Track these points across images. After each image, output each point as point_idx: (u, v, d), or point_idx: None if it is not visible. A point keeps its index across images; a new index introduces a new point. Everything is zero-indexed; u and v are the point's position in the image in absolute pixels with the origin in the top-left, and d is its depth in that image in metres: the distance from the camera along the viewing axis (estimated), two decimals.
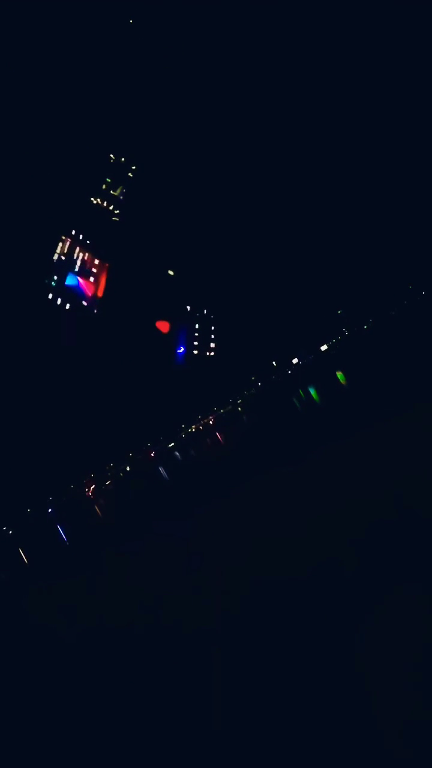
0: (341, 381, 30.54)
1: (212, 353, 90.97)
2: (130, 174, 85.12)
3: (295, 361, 71.63)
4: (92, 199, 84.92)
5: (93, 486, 69.19)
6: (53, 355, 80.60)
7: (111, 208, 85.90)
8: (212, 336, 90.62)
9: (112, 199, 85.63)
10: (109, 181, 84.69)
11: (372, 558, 5.65)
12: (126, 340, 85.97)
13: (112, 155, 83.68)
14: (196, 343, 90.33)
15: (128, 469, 67.89)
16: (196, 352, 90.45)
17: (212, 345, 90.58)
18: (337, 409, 19.20)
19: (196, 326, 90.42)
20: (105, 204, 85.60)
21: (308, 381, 42.02)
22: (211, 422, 70.25)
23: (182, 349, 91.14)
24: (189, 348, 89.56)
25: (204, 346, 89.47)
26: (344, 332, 68.16)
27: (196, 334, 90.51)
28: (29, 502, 68.03)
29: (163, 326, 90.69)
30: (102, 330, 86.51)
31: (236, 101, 77.12)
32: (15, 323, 79.56)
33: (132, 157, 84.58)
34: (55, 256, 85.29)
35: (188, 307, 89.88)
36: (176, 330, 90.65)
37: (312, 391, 33.15)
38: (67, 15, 74.93)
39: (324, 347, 69.04)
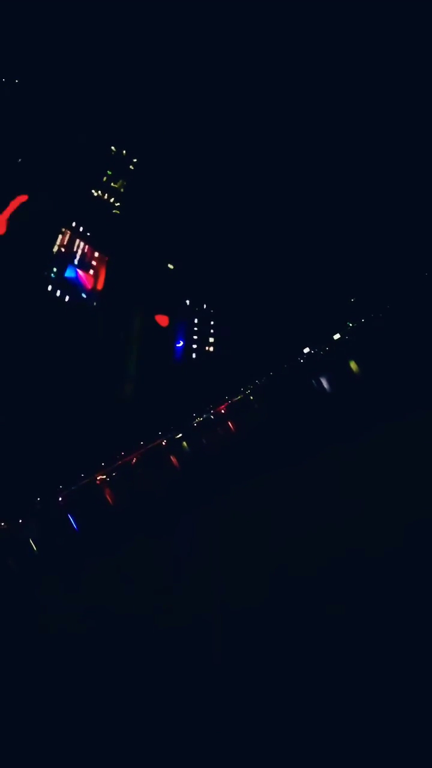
0: (354, 370, 30.51)
1: (210, 348, 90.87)
2: (131, 167, 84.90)
3: (306, 350, 71.22)
4: (93, 191, 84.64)
5: (103, 475, 69.04)
6: (52, 347, 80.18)
7: (111, 200, 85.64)
8: (211, 330, 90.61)
9: (112, 192, 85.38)
10: (110, 173, 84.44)
11: (393, 552, 5.44)
12: (125, 333, 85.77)
13: (113, 148, 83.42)
14: (195, 337, 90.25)
15: (136, 459, 67.81)
16: (195, 345, 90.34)
17: (211, 339, 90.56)
18: (350, 398, 18.89)
19: (196, 320, 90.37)
20: (105, 196, 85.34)
21: (320, 370, 42.15)
22: (222, 411, 70.07)
23: (181, 343, 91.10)
24: (189, 342, 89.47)
25: (203, 340, 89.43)
26: (357, 321, 67.56)
27: (196, 328, 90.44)
28: (38, 491, 67.81)
29: (163, 320, 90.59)
30: (101, 322, 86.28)
31: (237, 94, 77.04)
32: (15, 315, 79.16)
33: (133, 150, 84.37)
34: (55, 248, 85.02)
35: (188, 301, 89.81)
36: (176, 324, 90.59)
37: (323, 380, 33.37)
38: (69, 8, 74.61)
39: (336, 336, 68.60)
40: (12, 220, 79.99)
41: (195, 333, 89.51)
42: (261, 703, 4.25)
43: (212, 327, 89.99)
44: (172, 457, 37.37)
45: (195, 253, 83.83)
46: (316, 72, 71.44)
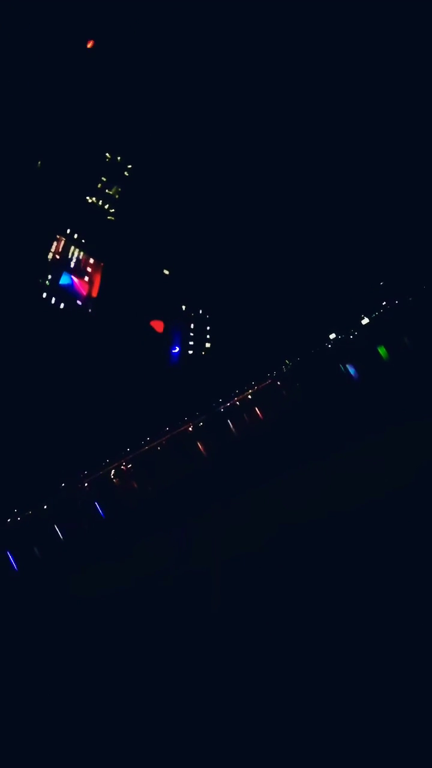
0: (383, 357, 30.29)
1: (204, 353, 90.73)
2: (125, 173, 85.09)
3: (332, 336, 70.50)
4: (87, 198, 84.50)
5: (129, 462, 68.25)
6: (48, 355, 79.37)
7: (106, 207, 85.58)
8: (207, 336, 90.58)
9: (107, 199, 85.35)
10: (104, 180, 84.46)
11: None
12: (121, 340, 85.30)
13: (108, 154, 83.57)
14: (192, 342, 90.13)
15: (164, 443, 67.05)
16: (191, 352, 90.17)
17: (207, 345, 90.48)
18: (380, 386, 18.53)
19: (192, 326, 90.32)
20: (100, 203, 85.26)
21: (348, 356, 42.11)
22: (249, 397, 69.49)
23: (177, 349, 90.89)
24: (186, 348, 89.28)
25: (200, 345, 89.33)
26: (386, 304, 66.84)
27: (192, 334, 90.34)
28: (62, 477, 66.96)
29: (158, 326, 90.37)
30: (97, 329, 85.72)
31: (232, 100, 77.91)
32: (9, 323, 78.32)
33: (128, 156, 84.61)
34: (50, 255, 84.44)
35: (183, 307, 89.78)
36: (171, 329, 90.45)
37: (350, 368, 33.30)
38: (64, 14, 75.03)
39: (365, 321, 67.89)
40: (5, 227, 79.36)
41: (192, 338, 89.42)
42: (260, 703, 4.19)
43: (209, 332, 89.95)
44: (198, 444, 36.95)
45: (194, 256, 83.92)
46: (309, 89, 72.64)
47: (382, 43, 64.55)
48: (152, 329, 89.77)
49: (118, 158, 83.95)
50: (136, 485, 35.67)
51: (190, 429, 67.29)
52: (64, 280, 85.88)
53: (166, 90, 78.67)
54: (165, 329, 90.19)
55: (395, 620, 4.30)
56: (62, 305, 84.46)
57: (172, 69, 77.08)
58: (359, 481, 8.22)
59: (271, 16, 68.31)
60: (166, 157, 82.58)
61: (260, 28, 69.74)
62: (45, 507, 60.48)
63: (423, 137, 64.29)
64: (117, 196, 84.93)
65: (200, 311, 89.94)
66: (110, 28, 76.69)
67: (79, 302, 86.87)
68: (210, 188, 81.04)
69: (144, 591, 9.14)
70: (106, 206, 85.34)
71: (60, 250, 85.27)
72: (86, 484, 64.64)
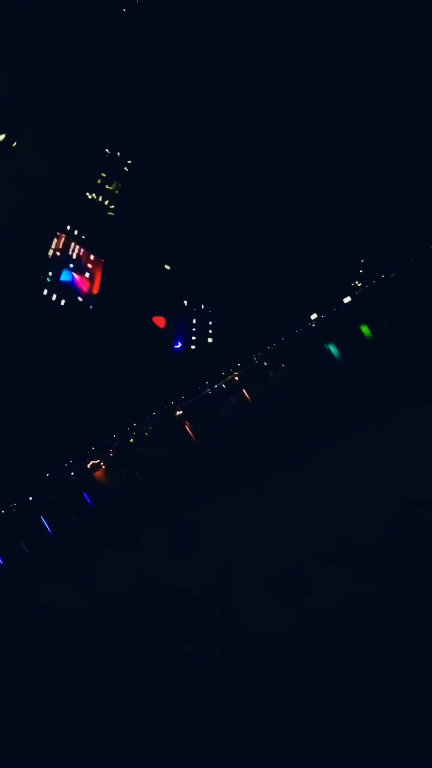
0: (367, 335, 29.89)
1: (204, 346, 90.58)
2: (125, 169, 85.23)
3: (314, 316, 69.51)
4: (87, 194, 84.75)
5: (115, 449, 68.35)
6: (49, 352, 79.63)
7: (106, 203, 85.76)
8: (209, 330, 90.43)
9: (107, 194, 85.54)
10: (104, 176, 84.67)
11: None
12: (122, 336, 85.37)
13: (107, 150, 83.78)
14: (193, 337, 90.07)
15: (151, 428, 67.02)
16: (193, 346, 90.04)
17: (210, 340, 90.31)
18: (363, 366, 18.19)
19: (193, 320, 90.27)
20: (100, 199, 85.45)
21: (330, 336, 41.63)
22: (236, 379, 69.16)
23: (179, 345, 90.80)
24: (187, 342, 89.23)
25: (201, 340, 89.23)
26: (369, 283, 66.10)
27: (194, 329, 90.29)
28: (50, 468, 67.11)
29: (160, 321, 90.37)
30: (98, 325, 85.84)
31: (230, 97, 77.89)
32: (10, 319, 78.66)
33: (127, 152, 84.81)
34: (50, 252, 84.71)
35: (185, 302, 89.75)
36: (173, 325, 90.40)
37: (332, 348, 32.77)
38: (66, 11, 75.42)
39: (347, 299, 67.01)
40: (6, 224, 79.76)
41: (194, 333, 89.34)
42: (261, 707, 4.10)
43: (210, 327, 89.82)
44: (186, 426, 36.68)
45: (192, 252, 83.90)
46: (303, 84, 72.49)
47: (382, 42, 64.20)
48: (154, 325, 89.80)
49: (118, 153, 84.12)
50: (125, 473, 35.45)
51: (179, 413, 67.16)
52: (65, 276, 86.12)
53: (164, 86, 78.80)
54: (167, 325, 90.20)
55: (396, 607, 4.22)
56: (63, 302, 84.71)
57: (170, 65, 77.21)
58: (358, 466, 7.93)
59: (267, 12, 68.22)
60: (164, 153, 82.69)
61: (256, 21, 69.68)
62: (30, 499, 60.47)
63: (403, 118, 64.02)
64: (117, 192, 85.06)
65: (202, 306, 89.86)
66: (110, 25, 76.96)
67: (80, 299, 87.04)
68: (208, 182, 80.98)
69: (142, 583, 8.94)
70: (106, 202, 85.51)
71: (61, 246, 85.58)
72: (72, 474, 64.79)
